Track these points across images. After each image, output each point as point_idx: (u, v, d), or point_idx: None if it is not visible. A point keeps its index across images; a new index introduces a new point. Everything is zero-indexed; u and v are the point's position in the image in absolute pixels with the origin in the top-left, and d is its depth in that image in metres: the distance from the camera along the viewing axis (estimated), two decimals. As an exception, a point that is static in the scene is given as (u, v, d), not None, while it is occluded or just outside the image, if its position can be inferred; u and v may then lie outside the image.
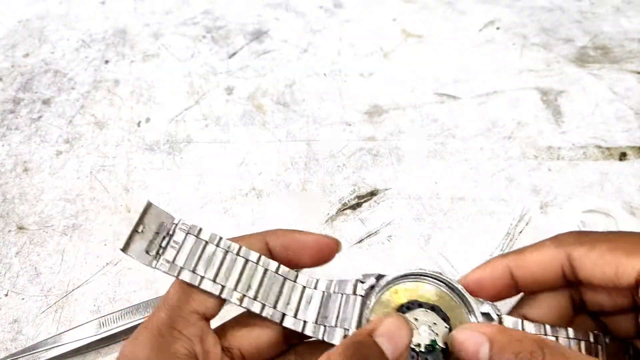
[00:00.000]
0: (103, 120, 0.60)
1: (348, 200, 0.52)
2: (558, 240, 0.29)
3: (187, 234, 0.29)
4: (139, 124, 0.60)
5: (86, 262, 0.48)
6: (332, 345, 0.26)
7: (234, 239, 0.30)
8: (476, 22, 0.72)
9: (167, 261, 0.28)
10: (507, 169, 0.54)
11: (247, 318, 0.29)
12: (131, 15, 0.74)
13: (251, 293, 0.29)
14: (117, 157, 0.56)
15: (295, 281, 0.30)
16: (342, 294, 0.29)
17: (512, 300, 0.30)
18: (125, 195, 0.53)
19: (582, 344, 0.28)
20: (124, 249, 0.27)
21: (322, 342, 0.28)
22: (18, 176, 0.55)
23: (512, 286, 0.29)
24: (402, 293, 0.29)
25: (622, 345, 0.29)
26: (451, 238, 0.49)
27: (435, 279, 0.30)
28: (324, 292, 0.30)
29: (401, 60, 0.67)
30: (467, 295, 0.29)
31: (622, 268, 0.25)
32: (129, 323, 0.42)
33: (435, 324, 0.28)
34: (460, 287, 0.29)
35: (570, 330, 0.28)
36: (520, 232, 0.49)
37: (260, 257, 0.30)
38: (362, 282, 0.29)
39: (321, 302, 0.29)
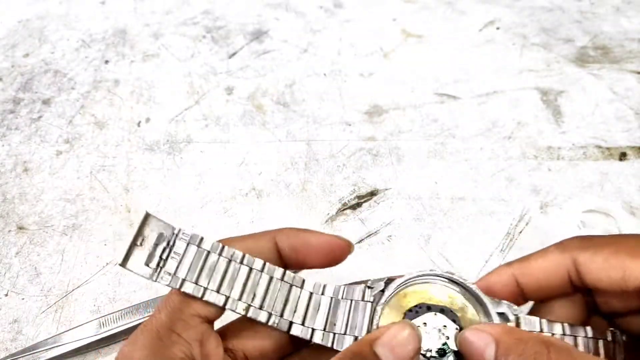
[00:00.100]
0: (103, 120, 0.60)
1: (348, 200, 0.52)
2: (563, 245, 0.28)
3: (188, 244, 0.28)
4: (139, 124, 0.60)
5: (86, 262, 0.48)
6: (339, 352, 0.25)
7: (240, 238, 0.30)
8: (476, 22, 0.72)
9: (168, 273, 0.28)
10: (507, 169, 0.54)
11: (252, 321, 0.29)
12: (131, 15, 0.74)
13: (256, 302, 0.28)
14: (117, 157, 0.56)
15: (302, 287, 0.29)
16: (350, 300, 0.29)
17: (525, 308, 0.30)
18: (125, 195, 0.53)
19: (601, 342, 0.28)
20: (123, 264, 0.27)
21: (328, 347, 0.27)
22: (18, 176, 0.55)
23: (519, 294, 0.29)
24: (412, 296, 0.29)
25: (638, 343, 0.29)
26: (451, 238, 0.49)
27: (447, 279, 0.29)
28: (331, 297, 0.29)
29: (401, 60, 0.67)
30: (481, 295, 0.28)
31: (629, 272, 0.25)
32: (129, 323, 0.42)
33: (445, 326, 0.28)
34: (474, 287, 0.28)
35: (589, 329, 0.28)
36: (520, 232, 0.49)
37: (264, 264, 0.29)
38: (371, 288, 0.28)
39: (329, 309, 0.29)
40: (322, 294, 0.29)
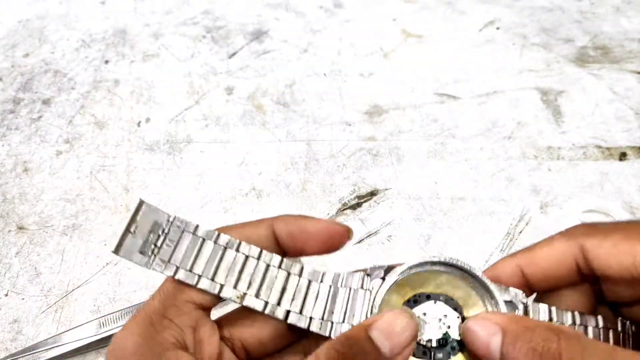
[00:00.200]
0: (103, 120, 0.60)
1: (348, 200, 0.52)
2: (568, 233, 0.27)
3: (182, 231, 0.28)
4: (139, 124, 0.60)
5: (86, 262, 0.48)
6: None
7: (238, 226, 0.29)
8: (476, 22, 0.72)
9: (163, 261, 0.27)
10: (507, 169, 0.54)
11: (251, 310, 0.28)
12: (131, 15, 0.74)
13: (252, 290, 0.28)
14: (117, 157, 0.56)
15: (300, 275, 0.29)
16: (349, 288, 0.28)
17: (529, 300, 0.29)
18: (125, 195, 0.53)
19: (611, 332, 0.27)
20: (116, 251, 0.26)
21: (326, 337, 0.27)
22: (18, 176, 0.55)
23: (524, 286, 0.28)
24: (412, 284, 0.28)
25: None
26: (451, 238, 0.49)
27: (451, 266, 0.28)
28: (330, 286, 0.28)
29: (401, 60, 0.67)
30: (487, 282, 0.27)
31: None
32: (129, 323, 0.42)
33: (446, 316, 0.27)
34: (479, 273, 0.27)
35: (600, 319, 0.27)
36: (520, 232, 0.49)
37: (261, 252, 0.28)
38: (370, 276, 0.28)
39: (328, 297, 0.28)
40: (321, 281, 0.29)
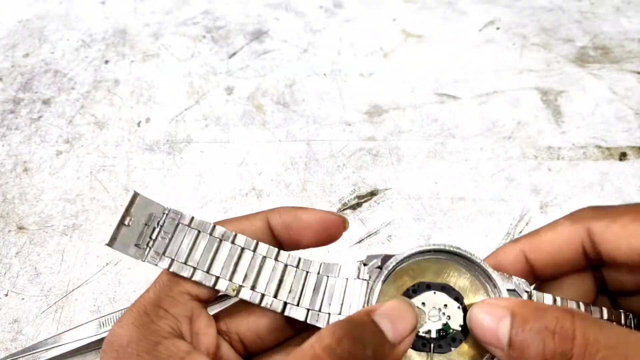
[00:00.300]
0: (103, 120, 0.60)
1: (348, 200, 0.52)
2: (574, 216, 0.26)
3: (178, 223, 0.28)
4: (139, 124, 0.60)
5: (86, 262, 0.48)
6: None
7: (234, 220, 0.29)
8: (476, 22, 0.72)
9: (157, 253, 0.27)
10: (507, 169, 0.54)
11: (246, 303, 0.28)
12: (131, 15, 0.74)
13: (248, 283, 0.27)
14: (117, 157, 0.56)
15: (297, 267, 0.28)
16: (345, 279, 0.27)
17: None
18: (125, 195, 0.53)
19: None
20: (110, 244, 0.26)
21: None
22: (18, 176, 0.55)
23: (528, 272, 0.27)
24: (412, 274, 0.27)
25: None
26: (451, 238, 0.49)
27: (452, 254, 0.27)
28: (328, 277, 0.28)
29: (401, 60, 0.67)
30: (490, 270, 0.26)
31: None
32: (129, 323, 0.42)
33: (446, 305, 0.26)
34: (480, 260, 0.26)
35: (605, 310, 0.26)
36: (521, 232, 0.49)
37: (257, 244, 0.28)
38: (366, 265, 0.27)
39: (325, 288, 0.27)
40: (318, 273, 0.28)
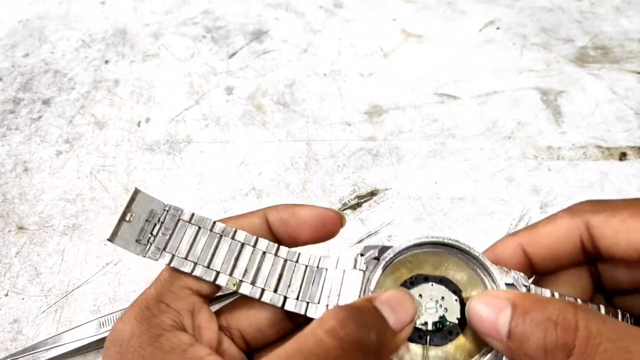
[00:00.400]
0: (103, 120, 0.60)
1: (348, 200, 0.52)
2: (572, 210, 0.26)
3: (178, 220, 0.28)
4: (139, 124, 0.60)
5: (86, 262, 0.48)
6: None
7: (233, 218, 0.29)
8: (476, 22, 0.72)
9: (158, 249, 0.27)
10: (507, 169, 0.54)
11: (247, 298, 0.28)
12: (131, 15, 0.74)
13: (248, 278, 0.27)
14: (117, 157, 0.56)
15: (297, 262, 0.28)
16: (343, 270, 0.27)
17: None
18: (125, 195, 0.53)
19: None
20: (111, 239, 0.26)
21: None
22: (18, 176, 0.55)
23: (526, 266, 0.27)
24: (410, 266, 0.27)
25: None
26: (451, 238, 0.49)
27: (450, 246, 0.27)
28: (326, 269, 0.28)
29: (401, 60, 0.67)
30: (488, 263, 0.26)
31: None
32: (129, 323, 0.42)
33: (443, 298, 0.26)
34: (479, 254, 0.26)
35: (602, 308, 0.26)
36: (520, 232, 0.49)
37: (257, 239, 0.28)
38: (363, 255, 0.27)
39: (324, 281, 0.28)
40: (317, 266, 0.28)
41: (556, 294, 0.26)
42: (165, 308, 0.26)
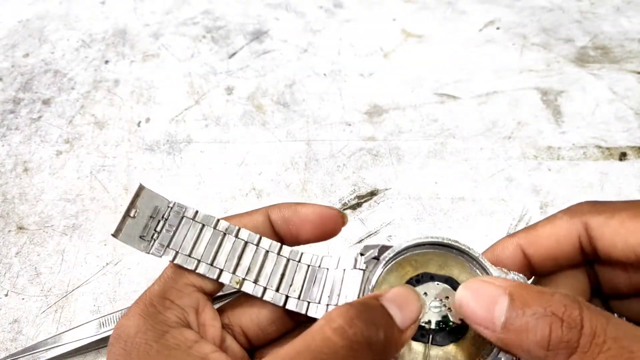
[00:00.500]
0: (103, 120, 0.60)
1: (348, 200, 0.52)
2: (571, 210, 0.26)
3: (182, 217, 0.28)
4: (139, 124, 0.60)
5: (86, 262, 0.48)
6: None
7: (236, 216, 0.29)
8: (476, 22, 0.72)
9: (162, 245, 0.27)
10: (507, 169, 0.54)
11: (248, 295, 0.28)
12: (131, 15, 0.74)
13: (251, 276, 0.28)
14: (117, 157, 0.56)
15: (299, 261, 0.29)
16: (343, 270, 0.27)
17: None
18: (125, 195, 0.53)
19: None
20: (116, 235, 0.26)
21: None
22: (18, 176, 0.55)
23: (526, 266, 0.27)
24: (412, 265, 0.27)
25: None
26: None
27: (449, 247, 0.27)
28: (327, 269, 0.28)
29: (401, 60, 0.67)
30: (487, 264, 0.26)
31: None
32: (129, 323, 0.42)
33: (447, 297, 0.26)
34: (478, 254, 0.26)
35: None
36: (520, 232, 0.49)
37: (260, 238, 0.28)
38: (363, 255, 0.27)
39: (325, 280, 0.28)
40: (319, 266, 0.28)
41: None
42: (170, 305, 0.26)
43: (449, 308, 0.26)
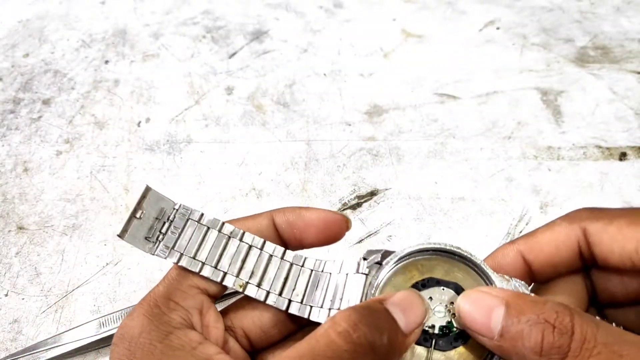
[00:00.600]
0: (103, 120, 0.60)
1: (348, 200, 0.52)
2: (570, 217, 0.27)
3: (187, 219, 0.28)
4: (139, 124, 0.60)
5: (86, 262, 0.48)
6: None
7: (240, 219, 0.29)
8: (476, 22, 0.72)
9: (167, 247, 0.27)
10: (507, 169, 0.54)
11: (252, 299, 0.28)
12: (131, 15, 0.74)
13: (255, 280, 0.28)
14: (117, 157, 0.56)
15: (302, 265, 0.29)
16: (346, 274, 0.28)
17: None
18: (125, 195, 0.53)
19: None
20: (121, 235, 0.26)
21: None
22: (18, 176, 0.55)
23: (526, 273, 0.27)
24: (418, 269, 0.27)
25: None
26: (451, 238, 0.49)
27: (452, 253, 0.27)
28: (330, 274, 0.28)
29: (401, 60, 0.67)
30: (489, 271, 0.26)
31: None
32: (129, 323, 0.42)
33: (452, 303, 0.26)
34: (480, 262, 0.26)
35: (597, 318, 0.26)
36: (521, 232, 0.49)
37: (264, 242, 0.29)
38: (365, 259, 0.27)
39: (328, 285, 0.28)
40: (322, 270, 0.29)
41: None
42: (175, 306, 0.26)
43: (454, 314, 0.26)
